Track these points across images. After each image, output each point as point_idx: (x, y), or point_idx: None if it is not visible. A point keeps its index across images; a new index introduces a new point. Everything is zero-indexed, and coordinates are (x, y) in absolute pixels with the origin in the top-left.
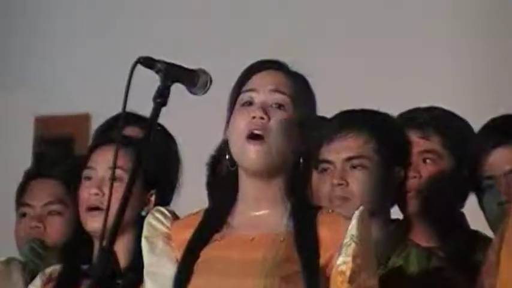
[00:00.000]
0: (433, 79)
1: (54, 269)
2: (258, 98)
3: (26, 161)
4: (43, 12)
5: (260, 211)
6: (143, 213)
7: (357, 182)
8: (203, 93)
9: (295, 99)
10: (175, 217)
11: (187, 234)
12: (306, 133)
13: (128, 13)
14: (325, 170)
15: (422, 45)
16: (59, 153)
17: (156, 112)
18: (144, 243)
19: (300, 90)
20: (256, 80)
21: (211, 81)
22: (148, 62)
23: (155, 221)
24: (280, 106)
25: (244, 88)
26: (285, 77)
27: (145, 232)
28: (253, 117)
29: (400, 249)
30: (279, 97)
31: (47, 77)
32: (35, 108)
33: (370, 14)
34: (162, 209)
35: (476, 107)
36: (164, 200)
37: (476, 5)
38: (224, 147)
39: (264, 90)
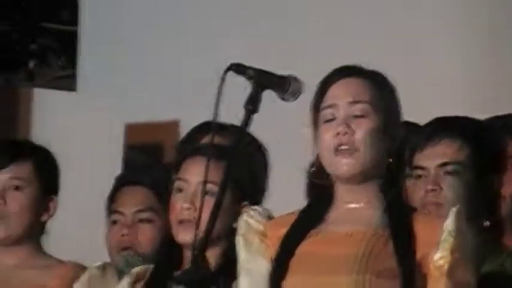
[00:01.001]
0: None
1: (141, 269)
2: (339, 113)
3: (116, 168)
4: (133, 23)
5: (355, 207)
6: (235, 226)
7: (451, 187)
8: (294, 100)
9: (376, 104)
10: (270, 216)
11: (282, 232)
12: (392, 133)
13: (215, 20)
14: (419, 176)
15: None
16: (148, 161)
17: (247, 119)
18: (239, 240)
19: (380, 92)
20: (333, 93)
21: (302, 87)
22: (239, 69)
23: (251, 219)
24: (362, 116)
25: (323, 105)
26: (362, 82)
27: (240, 230)
28: (338, 134)
29: (494, 256)
30: (359, 107)
31: (137, 85)
32: (126, 115)
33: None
34: (257, 207)
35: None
36: None
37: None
38: (315, 162)
39: (343, 103)
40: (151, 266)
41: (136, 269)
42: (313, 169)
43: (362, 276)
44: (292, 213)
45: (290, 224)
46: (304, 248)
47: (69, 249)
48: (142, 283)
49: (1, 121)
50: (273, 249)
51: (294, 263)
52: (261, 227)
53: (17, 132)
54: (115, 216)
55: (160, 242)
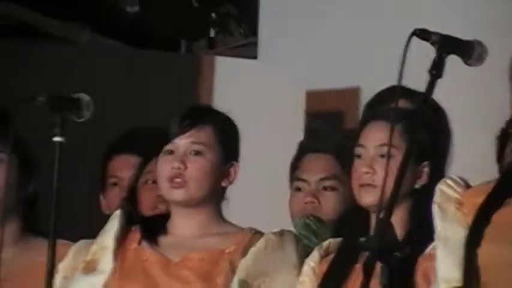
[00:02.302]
0: None
1: (331, 242)
2: None
3: (297, 135)
4: None
5: None
6: (416, 186)
7: None
8: (478, 65)
9: None
10: (467, 185)
11: (478, 200)
12: None
13: None
14: None
15: None
16: (329, 128)
17: (431, 84)
18: (435, 209)
19: None
20: None
21: (486, 52)
22: (424, 34)
23: (446, 188)
24: None
25: None
26: None
27: (436, 198)
28: None
29: None
30: None
31: (318, 52)
32: (307, 82)
33: None
34: (454, 176)
35: None
36: (438, 172)
37: None
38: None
39: None
40: (340, 239)
41: (326, 242)
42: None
43: None
44: (490, 182)
45: (487, 193)
46: (500, 216)
47: (250, 215)
48: (331, 256)
49: (184, 89)
50: (469, 217)
51: (489, 231)
52: (456, 196)
53: (199, 99)
54: (298, 184)
55: (346, 209)
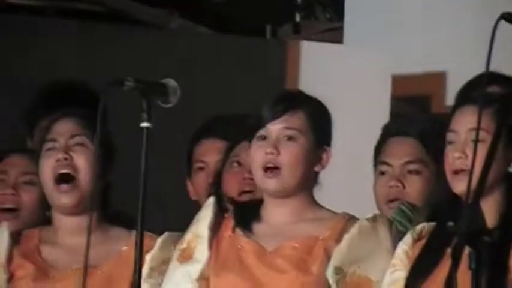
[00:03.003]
0: None
1: (424, 226)
2: None
3: (383, 119)
4: None
5: None
6: (511, 170)
7: None
8: None
9: None
10: None
11: None
12: None
13: None
14: None
15: None
16: (415, 112)
17: None
18: None
19: None
20: None
21: None
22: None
23: None
24: None
25: None
26: None
27: None
28: None
29: None
30: None
31: (404, 36)
32: (393, 67)
33: None
34: None
35: None
36: None
37: None
38: None
39: None
40: (434, 224)
41: (420, 226)
42: None
43: None
44: None
45: None
46: None
47: (340, 200)
48: (423, 241)
49: (269, 74)
50: None
51: None
52: None
53: (284, 84)
54: (382, 167)
55: (439, 194)
